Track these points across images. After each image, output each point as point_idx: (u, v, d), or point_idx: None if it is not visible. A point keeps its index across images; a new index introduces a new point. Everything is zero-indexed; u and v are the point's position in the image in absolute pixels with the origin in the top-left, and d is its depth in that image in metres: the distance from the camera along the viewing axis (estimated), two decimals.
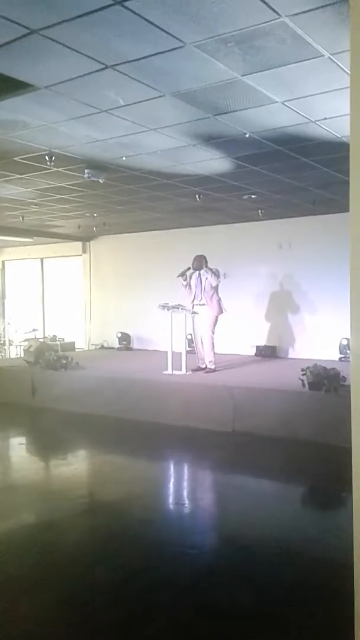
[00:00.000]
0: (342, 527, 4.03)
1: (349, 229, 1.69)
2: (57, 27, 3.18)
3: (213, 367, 8.33)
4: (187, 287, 8.56)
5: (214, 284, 8.32)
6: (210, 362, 8.35)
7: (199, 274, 8.47)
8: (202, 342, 8.50)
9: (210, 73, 3.77)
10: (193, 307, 8.47)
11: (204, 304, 8.41)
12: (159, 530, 4.09)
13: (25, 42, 3.36)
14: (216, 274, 8.42)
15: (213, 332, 8.40)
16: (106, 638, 2.70)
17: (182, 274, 8.55)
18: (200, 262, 8.47)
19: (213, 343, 8.40)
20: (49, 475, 5.68)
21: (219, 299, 8.40)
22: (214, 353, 8.39)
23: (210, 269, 8.41)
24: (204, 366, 8.44)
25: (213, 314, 8.37)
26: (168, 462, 6.16)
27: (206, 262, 8.45)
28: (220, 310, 8.39)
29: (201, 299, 8.42)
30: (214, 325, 8.41)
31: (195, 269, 8.50)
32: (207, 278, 8.35)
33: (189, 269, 8.53)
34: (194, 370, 8.29)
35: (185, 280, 8.53)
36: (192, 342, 10.20)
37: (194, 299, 8.47)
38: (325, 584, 3.17)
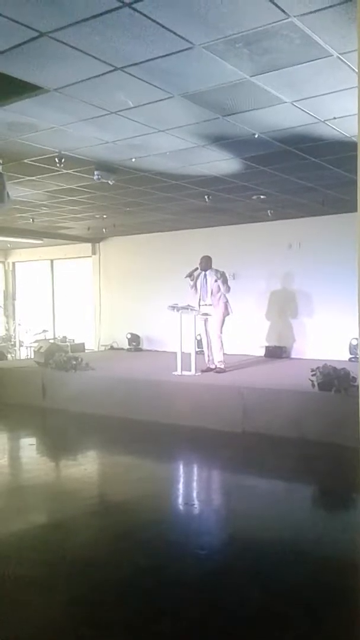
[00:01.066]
0: (351, 527, 4.03)
1: (356, 228, 1.69)
2: (67, 30, 3.21)
3: (223, 366, 8.34)
4: (193, 288, 8.57)
5: (222, 289, 8.33)
6: (219, 362, 8.36)
7: (205, 275, 8.49)
8: (209, 343, 8.54)
9: (219, 74, 3.79)
10: (200, 308, 8.47)
11: (210, 305, 8.43)
12: (168, 531, 4.09)
13: (34, 45, 3.39)
14: (224, 277, 8.43)
15: (221, 332, 8.41)
16: (114, 637, 2.71)
17: (190, 275, 8.57)
18: (207, 263, 8.49)
19: (222, 343, 8.41)
20: (59, 476, 5.71)
21: (226, 301, 8.40)
22: (223, 353, 8.40)
23: (217, 271, 8.42)
24: (213, 367, 8.45)
25: (220, 315, 8.39)
26: (177, 462, 6.17)
27: (212, 263, 8.48)
28: (227, 312, 8.40)
29: (206, 299, 8.44)
30: (222, 326, 8.43)
31: (202, 270, 8.51)
32: (215, 280, 8.35)
33: (196, 269, 8.54)
34: (203, 371, 8.30)
35: (192, 280, 8.54)
36: (201, 343, 10.27)
37: (199, 300, 8.48)
38: (334, 583, 3.16)
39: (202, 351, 8.77)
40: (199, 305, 8.47)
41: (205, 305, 8.47)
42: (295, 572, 3.36)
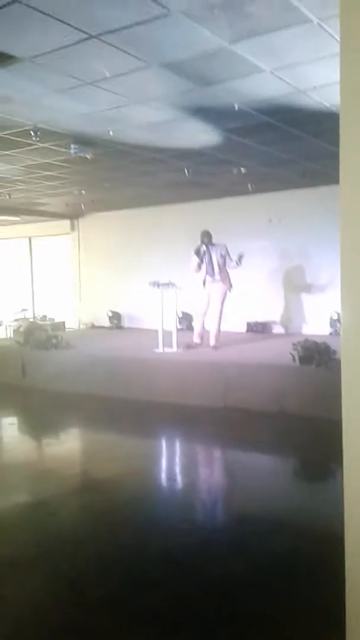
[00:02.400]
0: (331, 498, 4.07)
1: (339, 201, 1.65)
2: None
3: (218, 344, 8.18)
4: (197, 266, 8.24)
5: (229, 264, 8.20)
6: (217, 339, 8.20)
7: (208, 250, 8.23)
8: (204, 317, 8.35)
9: (197, 41, 3.69)
10: (205, 285, 8.26)
11: (219, 280, 8.22)
12: (151, 506, 4.10)
13: (7, 12, 3.28)
14: (227, 251, 8.24)
15: (223, 307, 8.29)
16: (98, 612, 2.71)
17: (197, 252, 8.21)
18: (209, 238, 8.24)
19: (221, 320, 8.29)
20: (40, 455, 5.68)
21: (228, 273, 8.27)
22: (220, 330, 8.28)
23: (221, 246, 8.22)
24: (199, 341, 8.30)
25: (224, 291, 8.25)
26: (160, 438, 6.18)
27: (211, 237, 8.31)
28: (230, 285, 8.30)
29: (214, 275, 8.21)
30: (224, 302, 8.30)
31: (204, 245, 8.23)
32: (221, 255, 8.17)
33: (202, 245, 8.23)
34: (189, 346, 8.17)
35: (199, 258, 8.19)
36: (184, 321, 10.23)
37: (205, 277, 8.22)
38: (317, 553, 3.19)
39: (183, 328, 8.71)
40: (204, 283, 8.27)
41: (213, 282, 8.24)
42: (277, 543, 3.40)
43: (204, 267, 8.25)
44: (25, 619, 2.68)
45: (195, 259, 8.25)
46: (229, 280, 8.31)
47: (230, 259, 8.24)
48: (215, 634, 2.54)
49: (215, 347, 8.11)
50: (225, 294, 8.29)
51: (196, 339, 8.38)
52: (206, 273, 8.24)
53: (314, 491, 4.59)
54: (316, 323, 9.61)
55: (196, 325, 8.54)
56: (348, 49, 1.72)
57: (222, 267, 8.24)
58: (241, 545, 3.41)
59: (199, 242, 8.27)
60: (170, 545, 3.40)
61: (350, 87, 1.64)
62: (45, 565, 3.19)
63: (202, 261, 8.25)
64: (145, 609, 2.72)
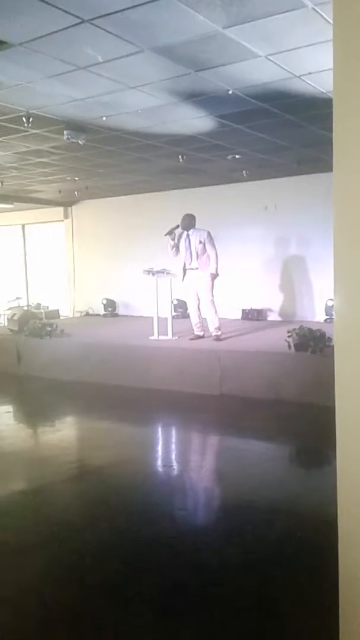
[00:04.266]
0: (326, 484, 4.09)
1: (333, 188, 1.64)
2: None
3: (220, 333, 7.83)
4: (174, 249, 7.97)
5: (208, 250, 7.81)
6: (216, 328, 7.84)
7: (187, 235, 7.93)
8: (198, 308, 8.02)
9: (191, 26, 3.64)
10: (185, 273, 7.97)
11: (197, 268, 7.88)
12: (147, 493, 4.12)
13: None
14: (210, 237, 7.88)
15: (212, 296, 7.87)
16: (95, 597, 2.73)
17: (170, 232, 7.91)
18: (190, 222, 7.92)
19: (215, 307, 7.89)
20: (36, 442, 5.69)
21: (215, 261, 7.84)
22: (218, 318, 7.92)
23: (202, 231, 7.88)
24: (201, 333, 8.01)
25: (208, 278, 7.83)
26: (156, 426, 6.19)
27: (195, 222, 7.98)
28: (215, 274, 7.86)
29: (191, 261, 7.89)
30: (212, 289, 7.87)
31: (183, 229, 7.95)
32: (200, 241, 7.82)
33: (177, 227, 7.95)
34: (192, 339, 7.93)
35: (173, 239, 7.96)
36: (179, 308, 10.21)
37: (184, 264, 7.94)
38: (311, 540, 3.22)
39: (179, 316, 8.65)
40: (184, 270, 7.97)
41: (192, 269, 7.92)
42: (273, 530, 3.42)
43: (183, 252, 7.96)
44: (22, 604, 2.70)
45: (170, 241, 7.96)
46: (213, 267, 7.83)
47: (213, 246, 7.85)
48: (210, 621, 2.56)
49: (217, 338, 7.78)
50: (210, 281, 7.85)
51: (197, 332, 8.06)
52: (185, 259, 7.95)
53: (310, 477, 4.62)
54: (311, 310, 9.63)
55: (192, 317, 8.19)
56: (341, 34, 1.70)
57: (202, 254, 7.85)
58: (237, 532, 3.43)
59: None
60: (166, 531, 3.41)
61: (343, 72, 1.62)
62: (39, 551, 3.20)
63: (177, 243, 7.96)
64: (141, 594, 2.74)
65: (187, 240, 7.95)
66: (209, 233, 7.93)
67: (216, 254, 7.88)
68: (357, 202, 1.58)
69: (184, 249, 7.97)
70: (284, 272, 10.05)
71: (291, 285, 9.98)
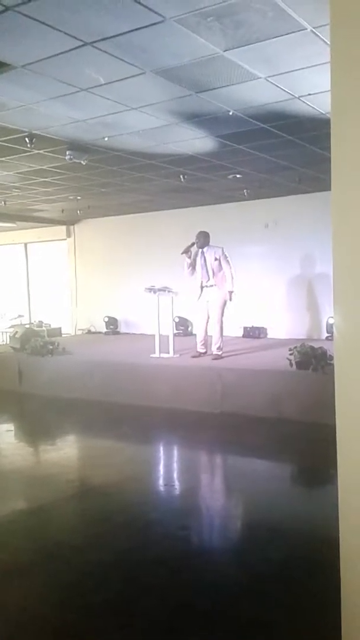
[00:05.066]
0: (329, 503, 4.06)
1: (330, 207, 1.66)
2: (34, 4, 3.10)
3: (220, 353, 7.78)
4: (190, 268, 7.89)
5: (225, 268, 7.79)
6: (218, 348, 7.79)
7: (203, 253, 7.86)
8: (206, 326, 7.94)
9: (191, 49, 3.70)
10: (202, 290, 7.91)
11: (213, 285, 7.83)
12: (149, 512, 4.09)
13: (0, 20, 3.27)
14: (224, 254, 7.85)
15: (222, 316, 7.84)
16: (96, 617, 2.70)
17: (187, 251, 7.83)
18: (204, 240, 7.87)
19: (222, 328, 7.86)
20: (37, 461, 5.66)
21: (225, 278, 7.81)
22: (222, 339, 7.87)
23: (217, 248, 7.85)
24: (204, 351, 7.94)
25: (222, 297, 7.79)
26: (157, 444, 6.16)
27: (209, 240, 7.95)
28: (231, 291, 7.79)
29: (208, 279, 7.83)
30: (224, 307, 7.85)
31: (199, 247, 7.89)
32: (215, 258, 7.79)
33: (193, 244, 7.88)
34: (194, 357, 7.88)
35: (189, 257, 7.86)
36: (181, 326, 10.23)
37: (201, 281, 7.87)
38: (315, 559, 3.19)
39: (180, 333, 8.61)
40: (201, 287, 7.90)
41: (208, 287, 7.84)
42: (275, 549, 3.39)
43: (198, 270, 7.94)
44: (24, 623, 2.67)
45: (186, 259, 7.93)
46: (229, 284, 7.80)
47: (228, 263, 7.84)
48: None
49: (217, 357, 7.73)
50: (224, 300, 7.83)
51: (200, 349, 7.97)
52: (201, 277, 7.93)
53: (314, 496, 4.58)
54: (313, 327, 9.62)
55: (198, 334, 8.09)
56: (338, 56, 1.74)
57: (218, 271, 7.85)
58: (240, 552, 3.40)
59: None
60: (168, 550, 3.39)
61: (340, 94, 1.66)
62: (41, 571, 3.17)
63: (193, 262, 7.92)
64: (144, 615, 2.71)
65: (203, 258, 7.91)
66: (223, 250, 7.91)
67: (231, 270, 7.86)
68: (356, 220, 1.59)
69: (200, 267, 7.93)
70: (284, 290, 10.07)
71: (292, 303, 9.99)
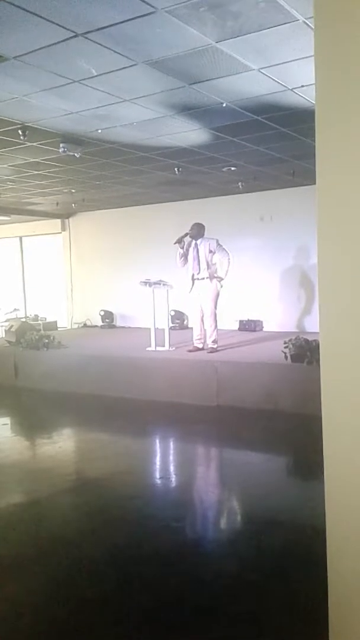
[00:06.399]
0: (324, 495, 4.08)
1: (317, 197, 1.66)
2: None
3: (216, 346, 7.74)
4: (182, 258, 7.84)
5: (220, 260, 7.71)
6: (213, 341, 7.74)
7: (196, 244, 7.79)
8: (202, 320, 7.86)
9: (183, 40, 3.68)
10: (193, 283, 7.85)
11: (204, 278, 7.75)
12: (144, 505, 4.10)
13: None
14: (220, 246, 7.76)
15: (215, 309, 7.75)
16: (90, 612, 2.71)
17: (180, 240, 7.77)
18: (199, 231, 7.78)
19: (216, 321, 7.79)
20: (33, 454, 5.67)
21: (217, 270, 7.76)
22: (217, 332, 7.82)
23: (211, 240, 7.77)
24: (201, 346, 7.89)
25: (214, 290, 7.73)
26: (153, 437, 6.17)
27: (204, 231, 7.89)
28: (223, 277, 7.77)
29: (199, 271, 7.76)
30: (216, 302, 7.77)
31: (192, 238, 7.81)
32: (210, 251, 7.72)
33: (186, 235, 7.83)
34: (190, 351, 7.82)
35: (182, 247, 7.80)
36: (177, 319, 10.23)
37: (192, 274, 7.81)
38: (308, 552, 3.20)
39: (176, 327, 8.62)
40: (192, 280, 7.84)
41: (199, 279, 7.78)
42: (269, 541, 3.40)
43: (190, 261, 7.86)
44: (18, 617, 2.67)
45: (179, 249, 7.84)
46: (222, 272, 7.75)
47: (224, 252, 7.75)
48: (209, 636, 2.54)
49: (212, 351, 7.68)
50: (216, 292, 7.79)
51: (197, 344, 7.92)
52: (192, 268, 7.84)
53: (307, 488, 4.60)
54: (308, 320, 9.63)
55: (195, 329, 8.03)
56: (322, 49, 1.73)
57: (211, 263, 7.75)
58: (235, 545, 3.41)
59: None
60: (164, 544, 3.40)
61: (325, 85, 1.65)
62: (36, 565, 3.18)
63: (185, 252, 7.85)
64: (139, 608, 2.72)
65: (196, 250, 7.83)
66: (217, 241, 7.82)
67: (229, 259, 7.77)
68: (340, 214, 1.59)
69: (192, 258, 7.84)
70: (280, 283, 10.07)
71: (287, 296, 9.99)
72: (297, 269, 9.85)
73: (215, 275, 7.79)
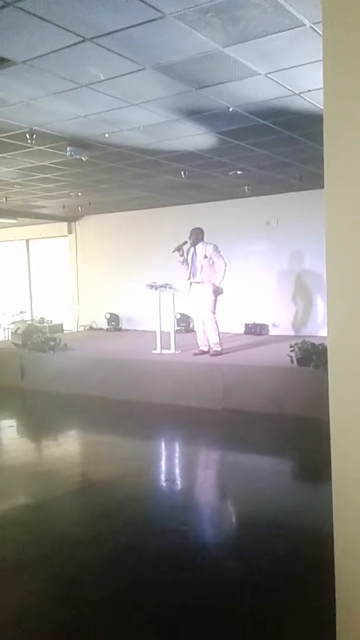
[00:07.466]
0: (331, 499, 4.07)
1: (325, 200, 1.66)
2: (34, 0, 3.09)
3: (219, 349, 7.76)
4: (185, 264, 7.92)
5: (217, 264, 7.73)
6: (215, 344, 7.75)
7: (194, 249, 7.87)
8: (203, 324, 7.89)
9: (191, 45, 3.69)
10: (190, 286, 7.90)
11: (200, 282, 7.79)
12: (150, 508, 4.11)
13: (0, 16, 3.27)
14: (217, 251, 7.77)
15: (214, 312, 7.78)
16: (96, 614, 2.71)
17: (178, 249, 7.88)
18: (197, 236, 7.87)
19: (216, 324, 7.80)
20: (39, 456, 5.68)
21: (222, 275, 7.76)
22: (219, 334, 7.84)
23: (208, 245, 7.81)
24: (206, 349, 7.91)
25: (210, 293, 7.73)
26: (159, 440, 6.17)
27: (203, 236, 7.93)
28: (219, 284, 7.75)
29: (195, 275, 7.81)
30: (215, 304, 7.78)
31: (191, 245, 7.90)
32: (205, 256, 7.76)
33: (185, 242, 7.92)
34: (196, 354, 7.85)
35: (182, 255, 7.95)
36: (183, 323, 10.23)
37: (189, 277, 7.87)
38: (316, 555, 3.19)
39: (182, 330, 8.62)
40: (190, 284, 7.89)
41: (195, 283, 7.83)
42: (275, 545, 3.40)
43: (189, 266, 7.90)
44: (24, 619, 2.68)
45: (179, 257, 7.93)
46: (217, 278, 7.74)
47: (220, 258, 7.75)
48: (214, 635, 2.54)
49: (216, 354, 7.70)
50: (212, 296, 7.74)
51: (202, 347, 7.95)
52: (190, 274, 7.90)
53: (313, 492, 4.59)
54: (314, 324, 9.62)
55: (198, 333, 8.08)
56: (330, 53, 1.74)
57: (207, 268, 7.79)
58: (241, 548, 3.41)
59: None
60: (169, 546, 3.40)
61: (333, 89, 1.66)
62: (43, 567, 3.19)
63: (185, 259, 7.91)
64: (144, 611, 2.72)
65: (194, 254, 7.89)
66: (215, 246, 7.84)
67: (225, 265, 7.78)
68: (348, 215, 1.60)
69: (191, 262, 7.91)
70: (286, 287, 10.06)
71: (293, 300, 9.99)
72: (302, 273, 9.85)
73: (213, 282, 7.79)
